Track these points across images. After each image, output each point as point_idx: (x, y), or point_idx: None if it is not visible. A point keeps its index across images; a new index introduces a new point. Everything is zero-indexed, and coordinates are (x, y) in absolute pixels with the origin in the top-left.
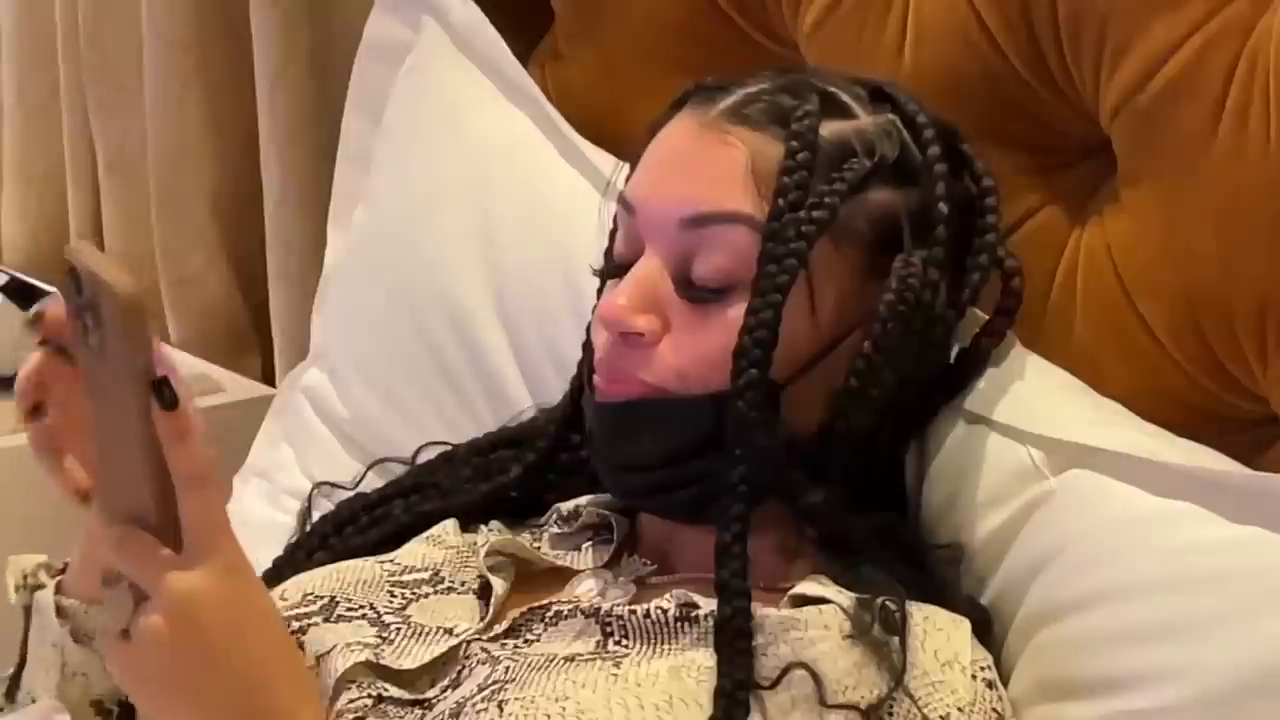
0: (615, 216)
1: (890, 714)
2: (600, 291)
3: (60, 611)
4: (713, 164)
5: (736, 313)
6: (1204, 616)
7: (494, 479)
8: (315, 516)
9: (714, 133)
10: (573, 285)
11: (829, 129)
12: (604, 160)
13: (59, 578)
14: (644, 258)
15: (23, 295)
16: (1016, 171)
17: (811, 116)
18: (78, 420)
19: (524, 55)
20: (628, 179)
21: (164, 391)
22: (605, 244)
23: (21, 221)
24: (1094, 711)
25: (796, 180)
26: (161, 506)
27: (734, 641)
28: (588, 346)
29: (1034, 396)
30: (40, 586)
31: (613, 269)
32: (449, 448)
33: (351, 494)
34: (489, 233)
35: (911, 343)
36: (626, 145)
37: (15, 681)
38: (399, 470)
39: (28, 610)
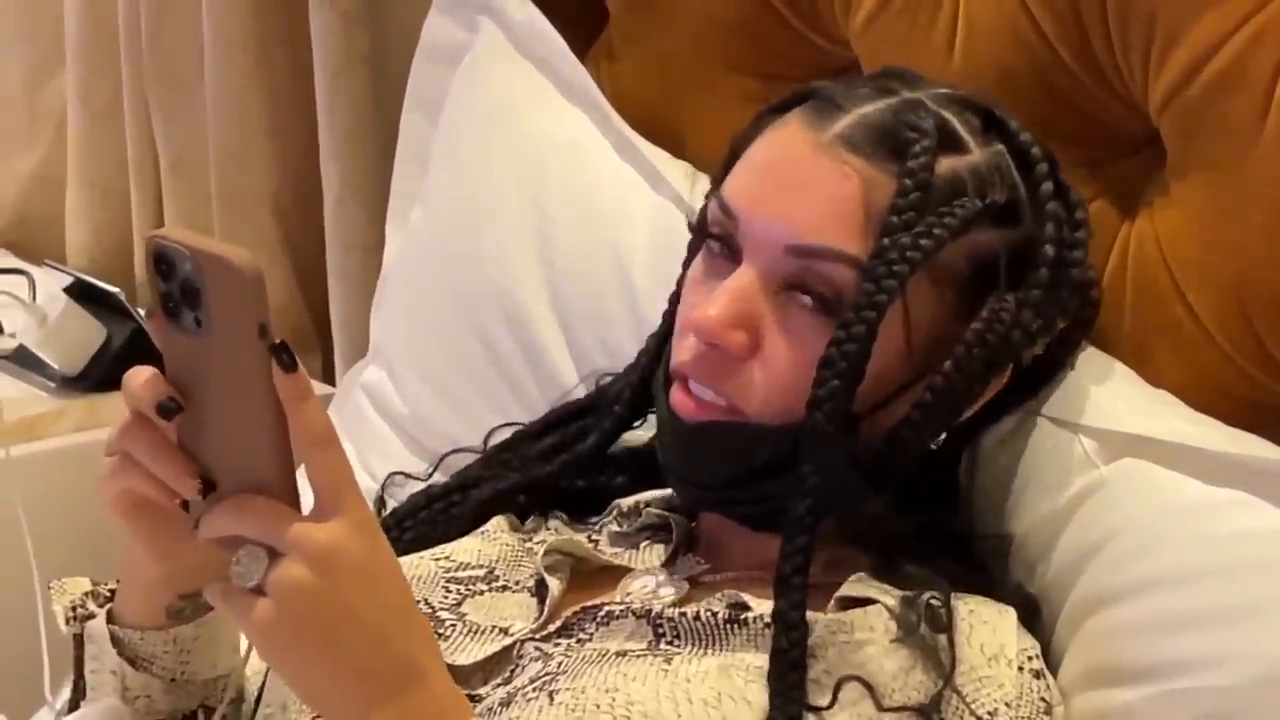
0: (708, 200)
1: (939, 711)
2: (687, 262)
3: (114, 640)
4: (825, 193)
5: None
6: (1253, 603)
7: (572, 449)
8: (389, 507)
9: (828, 158)
10: (627, 282)
11: (943, 165)
12: (659, 158)
13: (108, 605)
14: (742, 269)
15: (88, 297)
16: (1067, 165)
17: (927, 154)
18: None
19: (579, 54)
20: (723, 170)
21: (284, 354)
22: (694, 218)
23: (86, 224)
24: (1132, 699)
25: (905, 220)
26: (283, 471)
27: (788, 675)
28: (661, 339)
29: (1086, 387)
30: (90, 616)
31: (707, 237)
32: (519, 427)
33: (424, 484)
34: (544, 231)
35: (991, 371)
36: (681, 142)
37: (75, 706)
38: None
39: (78, 638)
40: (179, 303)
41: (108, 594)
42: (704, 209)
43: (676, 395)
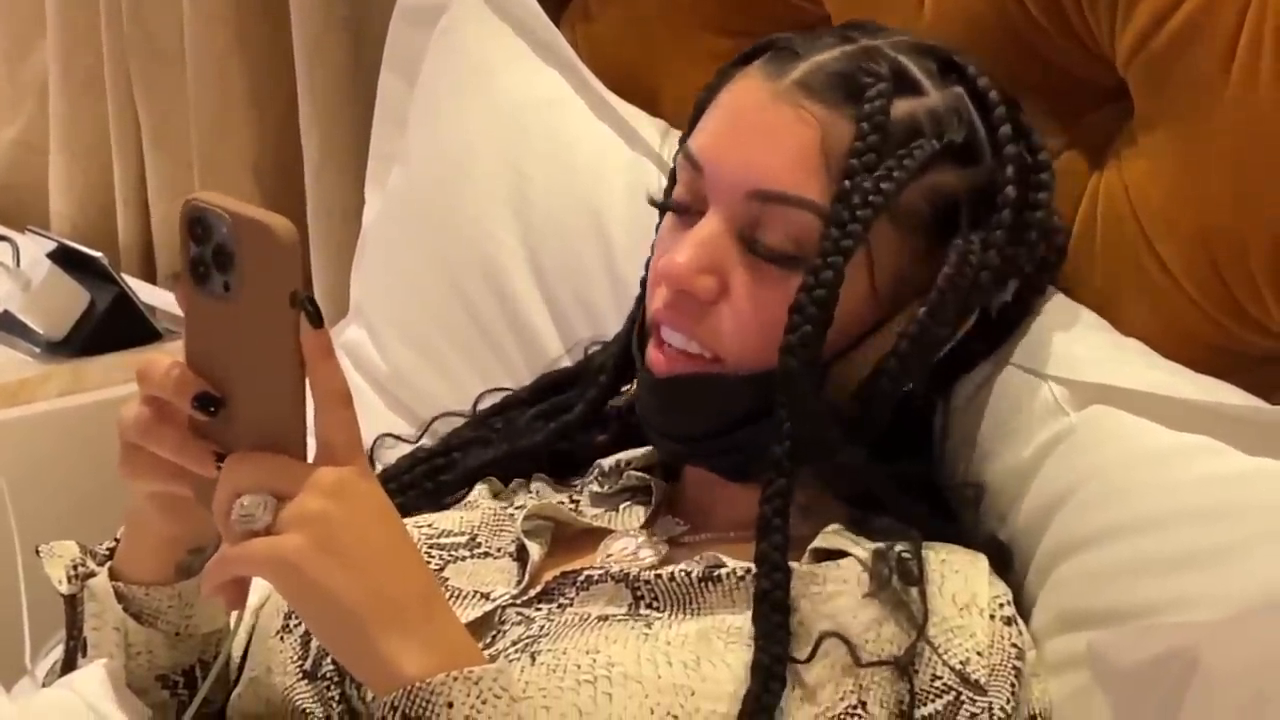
0: (676, 160)
1: (914, 665)
2: (658, 226)
3: (119, 596)
4: (785, 139)
5: (796, 283)
6: (1223, 547)
7: (559, 418)
8: (378, 469)
9: (787, 104)
10: (604, 240)
11: (899, 108)
12: (635, 115)
13: (107, 564)
14: (708, 217)
15: (71, 263)
16: (1036, 117)
17: (883, 97)
18: None
19: (555, 16)
20: (690, 127)
21: (313, 310)
22: (665, 184)
23: (69, 193)
24: (1103, 641)
25: (865, 163)
26: (299, 430)
27: (772, 615)
28: (639, 302)
29: (1055, 336)
30: (91, 574)
31: (673, 207)
32: (508, 393)
33: (413, 446)
34: (522, 190)
35: (962, 316)
36: (656, 100)
37: (70, 666)
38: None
39: (71, 600)
40: (209, 266)
41: (105, 553)
42: (673, 171)
43: (651, 352)
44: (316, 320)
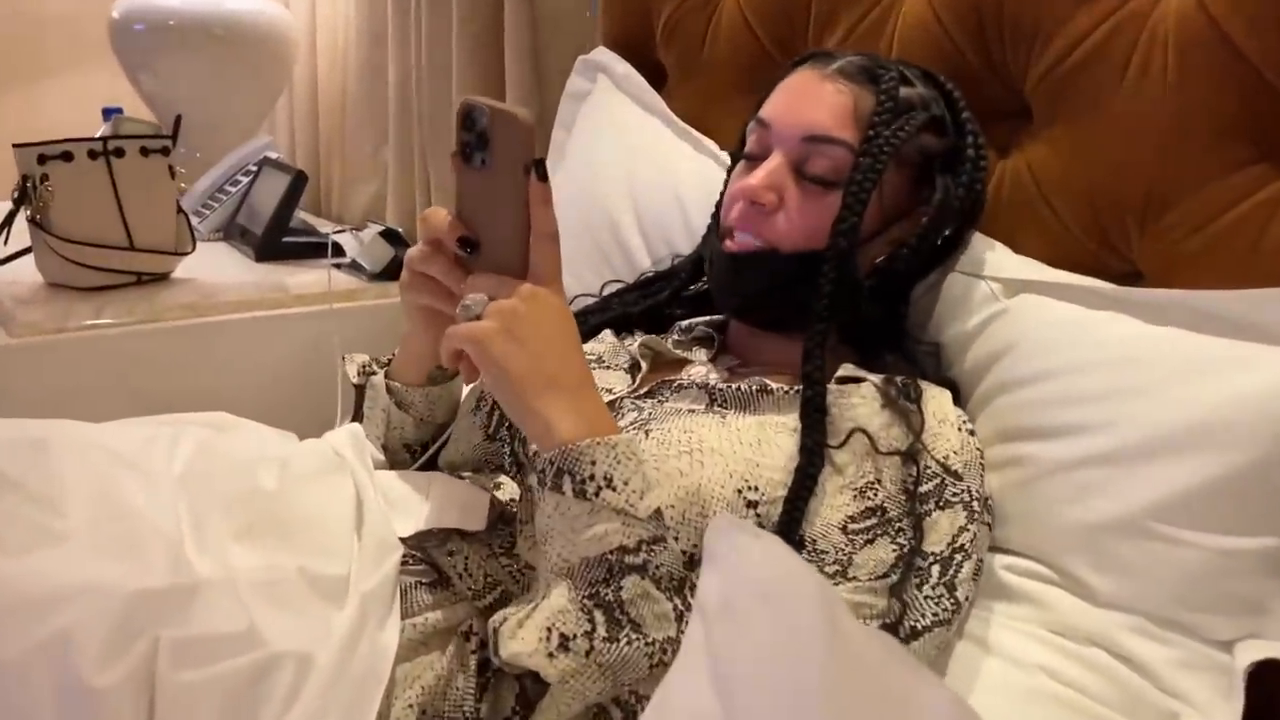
0: (749, 129)
1: (915, 455)
2: (727, 178)
3: (389, 390)
4: (830, 103)
5: (833, 199)
6: (1138, 385)
7: (654, 297)
8: None
9: (830, 82)
10: (680, 205)
11: (903, 91)
12: (698, 138)
13: (384, 369)
14: (772, 156)
15: (387, 237)
16: None
17: (894, 82)
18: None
19: (655, 89)
20: (757, 109)
21: (542, 169)
22: (731, 161)
23: (397, 205)
24: (1042, 450)
25: (883, 120)
26: (522, 261)
27: (813, 414)
28: (713, 228)
29: (985, 254)
30: (373, 373)
31: (744, 157)
32: (622, 284)
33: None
34: (633, 184)
35: (945, 226)
36: (710, 133)
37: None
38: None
39: (360, 389)
40: (473, 147)
41: (385, 362)
42: (742, 138)
43: (726, 243)
44: (544, 177)
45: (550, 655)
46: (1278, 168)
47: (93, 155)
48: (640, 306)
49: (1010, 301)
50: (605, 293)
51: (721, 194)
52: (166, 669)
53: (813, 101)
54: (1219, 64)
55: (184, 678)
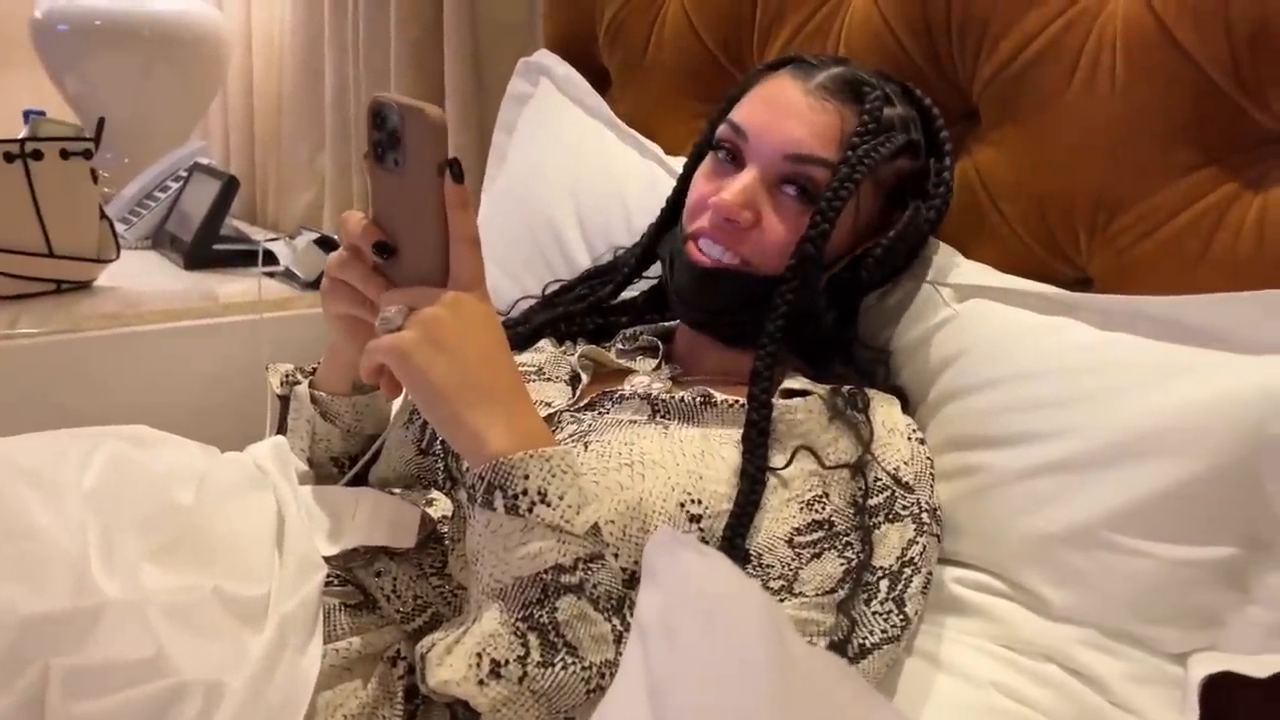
0: (715, 126)
1: (864, 467)
2: (688, 168)
3: (314, 400)
4: (813, 121)
5: (808, 217)
6: (1087, 394)
7: (597, 292)
8: None
9: (815, 98)
10: (626, 214)
11: (886, 111)
12: (642, 142)
13: (309, 378)
14: (748, 169)
15: (321, 243)
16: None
17: (878, 102)
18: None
19: (598, 93)
20: (726, 108)
21: (457, 170)
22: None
23: (332, 211)
24: (994, 458)
25: (863, 140)
26: (441, 267)
27: (756, 438)
28: (667, 224)
29: (936, 260)
30: (297, 383)
31: (715, 146)
32: (566, 281)
33: (505, 315)
34: (575, 185)
35: (911, 242)
36: (655, 136)
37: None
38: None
39: (284, 400)
40: (385, 147)
41: (309, 371)
42: (711, 130)
43: (692, 249)
44: (459, 177)
45: (481, 683)
46: (1226, 171)
47: (9, 158)
48: (584, 304)
49: (961, 307)
50: (547, 292)
51: (679, 187)
52: (57, 700)
53: (794, 118)
54: (1167, 66)
55: (78, 709)
